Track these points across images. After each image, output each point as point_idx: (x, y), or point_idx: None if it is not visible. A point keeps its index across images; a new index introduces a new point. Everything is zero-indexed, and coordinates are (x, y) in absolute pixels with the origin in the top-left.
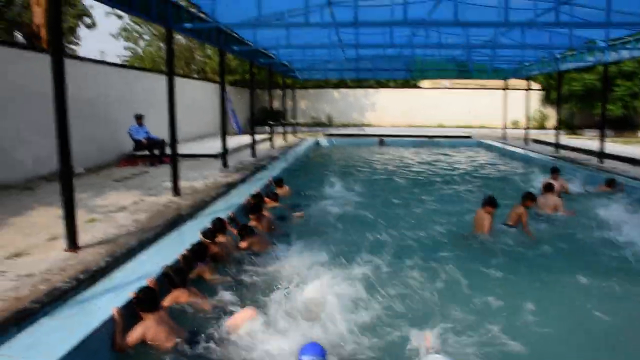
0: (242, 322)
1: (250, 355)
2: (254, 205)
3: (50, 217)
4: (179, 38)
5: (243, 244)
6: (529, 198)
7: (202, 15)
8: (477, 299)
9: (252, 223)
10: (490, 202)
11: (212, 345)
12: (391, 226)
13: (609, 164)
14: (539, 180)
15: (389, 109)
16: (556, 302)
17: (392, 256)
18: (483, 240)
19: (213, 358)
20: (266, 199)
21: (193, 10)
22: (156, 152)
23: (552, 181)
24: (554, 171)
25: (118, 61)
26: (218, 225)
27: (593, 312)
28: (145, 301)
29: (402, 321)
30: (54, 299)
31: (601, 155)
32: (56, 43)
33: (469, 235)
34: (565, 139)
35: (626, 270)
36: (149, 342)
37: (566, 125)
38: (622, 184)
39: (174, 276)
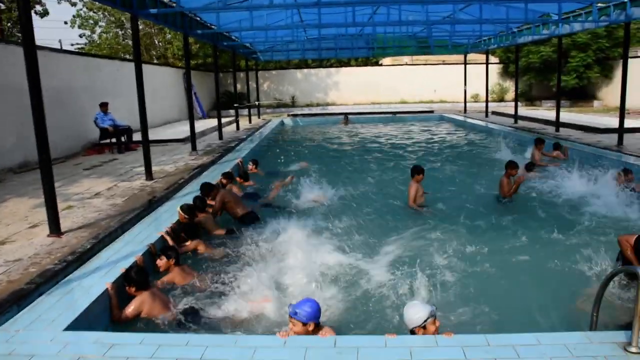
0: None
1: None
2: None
3: (25, 207)
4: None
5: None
6: (510, 167)
7: (165, 0)
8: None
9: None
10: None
11: (205, 315)
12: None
13: (564, 132)
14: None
15: (351, 88)
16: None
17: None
18: None
19: (206, 325)
20: (238, 179)
21: None
22: (123, 139)
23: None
24: (539, 142)
25: (72, 49)
26: (197, 203)
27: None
28: (137, 281)
29: (381, 279)
30: (47, 280)
31: (557, 124)
32: (27, 35)
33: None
34: (524, 110)
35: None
36: (144, 316)
37: (525, 97)
38: (566, 148)
39: (171, 253)
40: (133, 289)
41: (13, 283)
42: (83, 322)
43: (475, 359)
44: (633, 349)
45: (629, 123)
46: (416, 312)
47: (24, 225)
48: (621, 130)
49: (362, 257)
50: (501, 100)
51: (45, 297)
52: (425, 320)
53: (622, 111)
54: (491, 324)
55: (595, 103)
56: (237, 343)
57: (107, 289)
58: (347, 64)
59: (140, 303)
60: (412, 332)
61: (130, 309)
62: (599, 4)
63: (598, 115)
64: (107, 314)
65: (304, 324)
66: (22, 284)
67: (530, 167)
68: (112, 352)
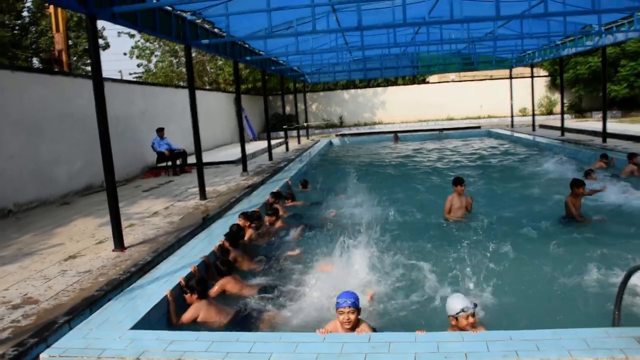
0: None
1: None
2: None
3: (91, 226)
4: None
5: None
6: (576, 185)
7: (216, 30)
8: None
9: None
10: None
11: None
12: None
13: (611, 142)
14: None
15: (398, 106)
16: None
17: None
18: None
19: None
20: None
21: (208, 26)
22: (178, 162)
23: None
24: (604, 156)
25: (130, 78)
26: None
27: None
28: (198, 289)
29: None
30: (113, 288)
31: (604, 135)
32: (96, 68)
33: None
34: (573, 123)
35: None
36: (199, 321)
37: (575, 108)
38: (612, 158)
39: (220, 266)
40: (194, 297)
41: (85, 291)
42: (145, 325)
43: (497, 352)
44: None
45: None
46: (454, 302)
47: (91, 242)
48: None
49: (393, 266)
50: (550, 113)
51: (112, 302)
52: (458, 313)
53: None
54: None
55: None
56: (281, 339)
57: (166, 295)
58: (394, 83)
59: (197, 310)
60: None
61: (188, 315)
62: None
63: None
64: (165, 318)
65: (359, 309)
66: (93, 291)
67: (589, 173)
68: (172, 347)
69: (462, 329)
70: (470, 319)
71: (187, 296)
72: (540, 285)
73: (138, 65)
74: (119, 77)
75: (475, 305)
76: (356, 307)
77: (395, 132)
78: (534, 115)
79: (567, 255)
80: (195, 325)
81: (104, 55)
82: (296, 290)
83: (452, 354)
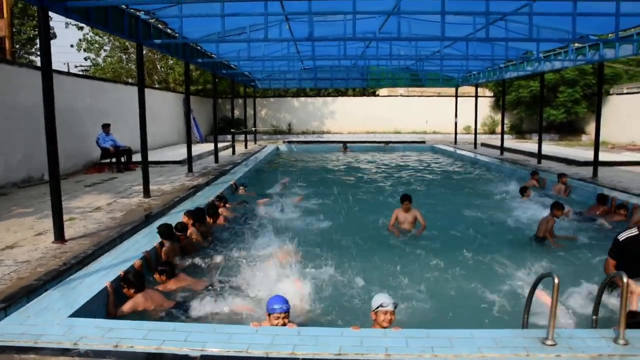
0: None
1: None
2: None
3: (30, 218)
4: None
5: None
6: (556, 208)
7: (169, 31)
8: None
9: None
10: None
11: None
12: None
13: (546, 163)
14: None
15: (347, 117)
16: None
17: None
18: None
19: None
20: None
21: (161, 26)
22: (123, 159)
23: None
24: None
25: (78, 71)
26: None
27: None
28: (135, 284)
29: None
30: (52, 278)
31: (539, 156)
32: (46, 59)
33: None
34: (513, 143)
35: None
36: (138, 312)
37: (516, 129)
38: (544, 179)
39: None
40: (131, 291)
41: (22, 280)
42: (84, 314)
43: (415, 347)
44: (549, 342)
45: (608, 157)
46: (376, 298)
47: (30, 233)
48: (596, 164)
49: (334, 271)
50: (492, 132)
51: (51, 291)
52: (377, 307)
53: (597, 146)
54: None
55: (584, 137)
56: (215, 330)
57: (106, 287)
58: (344, 93)
59: (135, 303)
60: None
61: (126, 307)
62: (576, 44)
63: (583, 149)
64: (104, 309)
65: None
66: (31, 280)
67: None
68: (109, 334)
69: (380, 325)
70: (388, 316)
71: (125, 290)
72: (471, 294)
73: (85, 59)
74: (66, 70)
75: (396, 305)
76: (288, 312)
77: (344, 142)
78: (476, 133)
79: (499, 267)
80: (134, 316)
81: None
82: (233, 289)
83: (373, 347)
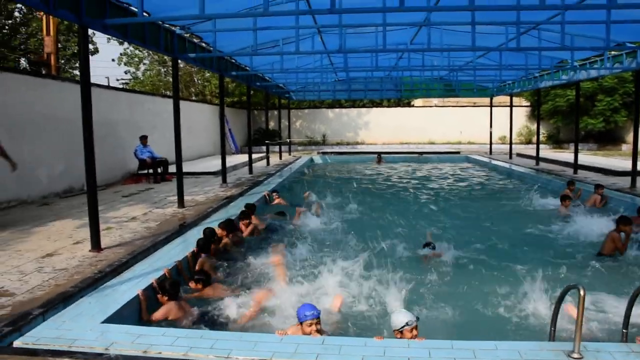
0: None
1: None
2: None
3: (70, 227)
4: (179, 63)
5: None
6: (622, 223)
7: (203, 45)
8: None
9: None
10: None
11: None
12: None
13: (582, 174)
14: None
15: (381, 128)
16: None
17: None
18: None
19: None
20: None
21: (196, 40)
22: (159, 170)
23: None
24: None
25: (118, 84)
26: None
27: None
28: (170, 292)
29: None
30: (88, 285)
31: (575, 166)
32: (85, 74)
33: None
34: (549, 153)
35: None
36: (170, 320)
37: (552, 139)
38: (579, 189)
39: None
40: (165, 299)
41: (60, 286)
42: (116, 320)
43: (438, 358)
44: (575, 355)
45: None
46: (399, 317)
47: (68, 242)
48: (634, 173)
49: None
50: (529, 142)
51: (86, 298)
52: (403, 326)
53: (635, 155)
54: None
55: (624, 147)
56: (241, 338)
57: (138, 294)
58: (379, 104)
59: (168, 310)
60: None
61: (158, 314)
62: (612, 52)
63: (622, 159)
64: (136, 315)
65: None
66: (68, 287)
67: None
68: (139, 340)
69: None
70: (414, 332)
71: (159, 297)
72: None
73: (126, 72)
74: (106, 83)
75: (418, 318)
76: (319, 317)
77: (379, 153)
78: (511, 143)
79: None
80: (164, 324)
81: (92, 60)
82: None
83: (396, 357)
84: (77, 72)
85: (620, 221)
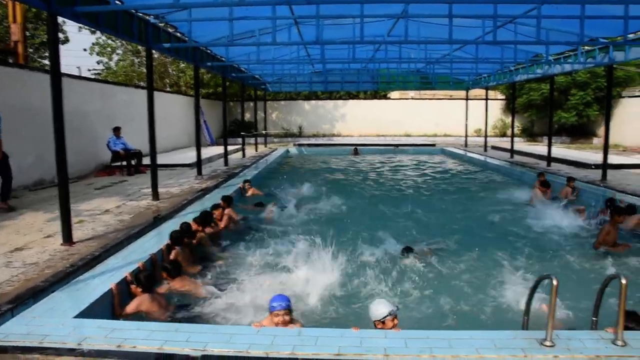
0: None
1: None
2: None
3: (40, 220)
4: (153, 53)
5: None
6: (616, 214)
7: (178, 35)
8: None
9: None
10: None
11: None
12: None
13: (555, 167)
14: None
15: (357, 120)
16: None
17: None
18: None
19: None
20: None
21: (170, 30)
22: (133, 162)
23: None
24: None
25: (90, 75)
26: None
27: None
28: (144, 284)
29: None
30: (60, 280)
31: (549, 159)
32: (55, 63)
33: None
34: (523, 146)
35: None
36: (142, 313)
37: (527, 132)
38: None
39: (171, 268)
40: (139, 290)
41: (30, 281)
42: (89, 315)
43: (414, 348)
44: (547, 343)
45: (618, 160)
46: (378, 308)
47: (39, 235)
48: (605, 166)
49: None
50: (503, 135)
51: (57, 293)
52: (385, 316)
53: (606, 148)
54: None
55: (595, 140)
56: (217, 331)
57: (111, 288)
58: (355, 96)
59: (140, 303)
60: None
61: (131, 307)
62: (586, 47)
63: (594, 152)
64: (109, 310)
65: (291, 310)
66: (38, 282)
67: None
68: (113, 334)
69: None
70: (395, 321)
71: (133, 287)
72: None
73: (98, 62)
74: (78, 73)
75: (398, 307)
76: (289, 309)
77: (355, 146)
78: (486, 136)
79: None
80: (138, 317)
81: (63, 49)
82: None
83: (373, 348)
84: (46, 61)
85: (614, 212)
